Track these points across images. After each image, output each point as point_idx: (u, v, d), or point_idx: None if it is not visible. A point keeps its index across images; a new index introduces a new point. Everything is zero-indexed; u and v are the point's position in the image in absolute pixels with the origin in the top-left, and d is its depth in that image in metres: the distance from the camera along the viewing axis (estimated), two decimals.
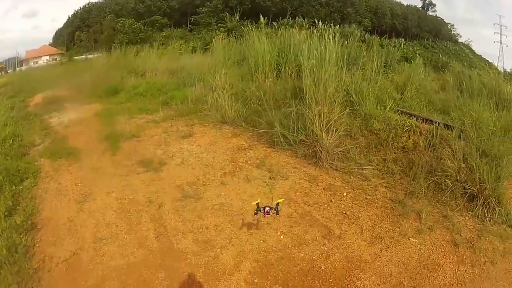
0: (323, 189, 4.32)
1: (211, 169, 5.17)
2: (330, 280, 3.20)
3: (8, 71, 30.53)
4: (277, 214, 3.52)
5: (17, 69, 29.39)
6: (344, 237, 3.64)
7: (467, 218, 3.93)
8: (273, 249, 3.63)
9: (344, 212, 3.99)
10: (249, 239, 3.82)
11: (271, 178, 4.63)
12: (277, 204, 3.55)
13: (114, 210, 4.56)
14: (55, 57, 29.75)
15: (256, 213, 3.48)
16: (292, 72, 6.71)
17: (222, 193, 4.59)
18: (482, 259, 3.46)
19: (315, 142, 4.67)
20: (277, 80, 6.77)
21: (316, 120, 4.63)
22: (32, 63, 28.96)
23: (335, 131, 4.85)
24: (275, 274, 3.34)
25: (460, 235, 3.71)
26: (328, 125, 4.81)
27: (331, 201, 4.19)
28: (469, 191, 4.07)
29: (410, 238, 3.58)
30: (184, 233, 4.06)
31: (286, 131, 4.93)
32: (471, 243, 3.62)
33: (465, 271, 3.33)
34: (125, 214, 4.47)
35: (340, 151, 4.82)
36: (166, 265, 3.64)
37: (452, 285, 3.20)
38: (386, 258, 3.39)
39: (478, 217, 3.92)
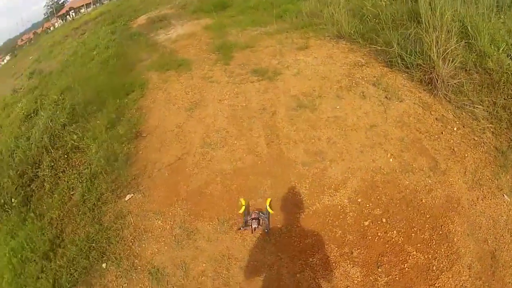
0: (436, 119, 4.17)
1: (327, 81, 5.04)
2: (427, 215, 3.16)
3: (104, 1, 30.00)
4: (267, 229, 3.25)
5: None
6: (449, 173, 3.54)
7: None
8: (381, 171, 3.61)
9: (452, 147, 3.84)
10: (359, 156, 3.80)
11: (386, 98, 4.51)
12: (267, 209, 3.33)
13: (225, 117, 4.77)
14: None
15: (241, 228, 3.28)
16: None
17: (338, 107, 4.53)
18: None
19: (432, 69, 4.50)
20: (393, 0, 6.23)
21: (434, 46, 4.39)
22: None
23: (451, 61, 4.49)
24: (378, 197, 3.35)
25: None
26: (445, 54, 4.46)
27: (442, 133, 4.03)
28: None
29: (505, 195, 3.39)
30: (296, 142, 4.09)
31: (404, 52, 4.74)
32: None
33: None
34: (236, 120, 4.65)
35: (455, 83, 4.53)
36: (274, 172, 3.82)
37: None
38: (480, 209, 3.26)
39: None
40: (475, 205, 3.30)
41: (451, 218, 3.14)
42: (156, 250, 3.42)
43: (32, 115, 6.45)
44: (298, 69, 5.49)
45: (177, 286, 3.04)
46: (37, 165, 4.81)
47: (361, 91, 4.69)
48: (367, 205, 3.30)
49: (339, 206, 3.35)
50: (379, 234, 3.06)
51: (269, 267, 2.98)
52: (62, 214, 4.01)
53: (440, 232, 3.03)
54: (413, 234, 3.03)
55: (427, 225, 3.06)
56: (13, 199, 4.30)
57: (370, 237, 3.05)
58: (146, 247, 3.46)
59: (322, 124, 4.27)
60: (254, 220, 3.16)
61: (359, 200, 3.37)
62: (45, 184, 4.47)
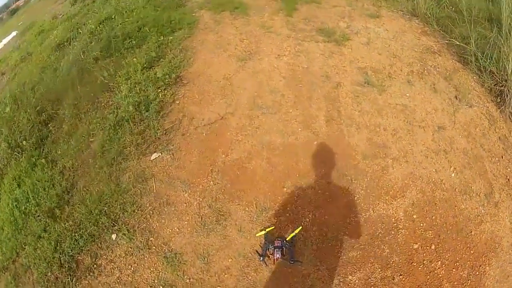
0: (498, 138, 3.54)
1: (398, 61, 4.29)
2: (471, 251, 2.76)
3: None
4: (290, 259, 2.59)
5: None
6: (500, 207, 3.00)
7: None
8: (442, 186, 3.06)
9: (508, 177, 3.23)
10: (423, 161, 3.21)
11: (456, 98, 3.83)
12: (292, 239, 2.71)
13: (282, 76, 3.96)
14: None
15: (262, 256, 2.59)
16: None
17: (407, 94, 3.84)
18: None
19: (504, 82, 3.87)
20: None
21: (511, 58, 3.72)
22: None
23: None
24: (433, 218, 2.87)
25: None
26: None
27: (502, 156, 3.40)
28: None
29: None
30: (359, 126, 3.45)
31: (480, 52, 4.06)
32: None
33: None
34: (295, 83, 3.87)
35: None
36: (330, 159, 3.21)
37: None
38: None
39: None
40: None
41: (489, 259, 2.77)
42: (177, 229, 2.83)
43: (65, 44, 5.82)
44: (368, 39, 4.71)
45: (194, 279, 2.56)
46: (59, 101, 4.23)
47: (432, 83, 4.00)
48: (421, 225, 2.84)
49: (393, 219, 2.86)
50: (424, 261, 2.66)
51: (303, 278, 2.55)
52: (76, 164, 3.44)
53: (477, 273, 2.67)
54: (454, 270, 2.65)
55: (468, 262, 2.70)
56: (24, 142, 3.78)
57: (415, 264, 2.66)
58: (166, 223, 2.86)
59: (389, 112, 3.62)
60: (277, 250, 2.53)
61: (414, 216, 2.88)
62: (63, 125, 3.89)
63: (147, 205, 2.96)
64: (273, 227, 2.77)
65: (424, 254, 2.70)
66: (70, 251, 2.75)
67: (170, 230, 2.81)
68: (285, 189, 3.00)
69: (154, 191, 3.05)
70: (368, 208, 2.91)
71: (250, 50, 4.43)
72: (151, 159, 3.27)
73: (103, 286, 2.58)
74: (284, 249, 2.55)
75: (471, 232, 2.86)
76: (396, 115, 3.59)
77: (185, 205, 2.94)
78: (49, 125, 4.00)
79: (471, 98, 3.93)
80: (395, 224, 2.83)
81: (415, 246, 2.74)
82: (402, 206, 2.92)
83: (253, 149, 3.28)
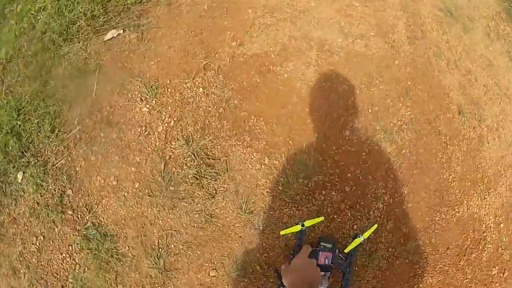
0: None
1: (476, 9, 2.96)
2: None
3: None
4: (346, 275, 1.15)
5: None
6: None
7: None
8: None
9: None
10: None
11: None
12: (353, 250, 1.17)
13: None
14: None
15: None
16: None
17: (490, 48, 2.66)
18: None
19: None
20: None
21: None
22: None
23: None
24: None
25: None
26: None
27: None
28: None
29: None
30: (449, 62, 2.22)
31: None
32: None
33: None
34: None
35: None
36: (416, 94, 1.94)
37: None
38: None
39: None
40: None
41: None
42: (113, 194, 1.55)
43: None
44: None
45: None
46: None
47: (507, 50, 2.80)
48: (503, 240, 1.89)
49: (484, 226, 1.87)
50: None
51: None
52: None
53: None
54: None
55: None
56: None
57: None
58: (98, 171, 1.59)
59: (477, 59, 2.40)
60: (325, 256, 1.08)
61: (501, 226, 1.91)
62: None
63: (75, 123, 1.63)
64: (322, 218, 1.23)
65: (497, 284, 1.90)
66: None
67: (102, 188, 1.51)
68: (336, 132, 1.68)
69: (93, 96, 1.63)
70: (462, 201, 1.80)
71: None
72: (105, 39, 1.85)
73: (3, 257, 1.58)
74: (334, 267, 1.09)
75: None
76: (484, 68, 2.41)
77: (140, 137, 1.55)
78: None
79: None
80: (484, 235, 1.91)
81: (494, 272, 1.92)
82: (493, 206, 1.95)
83: (291, 43, 1.82)
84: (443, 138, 1.86)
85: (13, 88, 1.84)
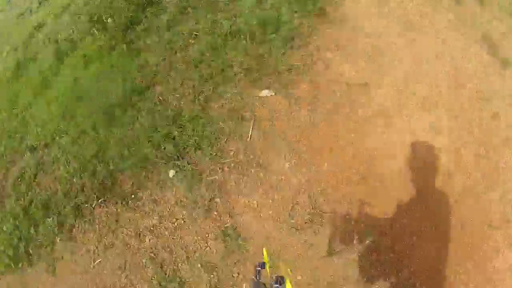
0: None
1: None
2: None
3: None
4: None
5: None
6: None
7: None
8: None
9: None
10: None
11: None
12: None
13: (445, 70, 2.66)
14: None
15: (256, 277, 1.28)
16: None
17: None
18: None
19: None
20: None
21: None
22: None
23: None
24: None
25: None
26: None
27: None
28: None
29: None
30: None
31: None
32: None
33: None
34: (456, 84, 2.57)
35: None
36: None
37: None
38: None
39: None
40: None
41: None
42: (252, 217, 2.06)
43: None
44: None
45: None
46: None
47: None
48: None
49: None
50: None
51: None
52: (161, 64, 2.68)
53: None
54: None
55: None
56: (110, 19, 3.06)
57: None
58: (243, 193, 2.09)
59: None
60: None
61: None
62: (163, 15, 3.03)
63: (232, 155, 2.19)
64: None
65: None
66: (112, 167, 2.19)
67: (245, 206, 2.06)
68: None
69: (248, 140, 2.18)
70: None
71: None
72: (260, 95, 2.37)
73: (130, 221, 2.08)
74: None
75: None
76: None
77: (280, 183, 2.10)
78: (146, 9, 3.16)
79: None
80: None
81: None
82: None
83: (399, 146, 2.22)
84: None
85: (166, 98, 2.41)
